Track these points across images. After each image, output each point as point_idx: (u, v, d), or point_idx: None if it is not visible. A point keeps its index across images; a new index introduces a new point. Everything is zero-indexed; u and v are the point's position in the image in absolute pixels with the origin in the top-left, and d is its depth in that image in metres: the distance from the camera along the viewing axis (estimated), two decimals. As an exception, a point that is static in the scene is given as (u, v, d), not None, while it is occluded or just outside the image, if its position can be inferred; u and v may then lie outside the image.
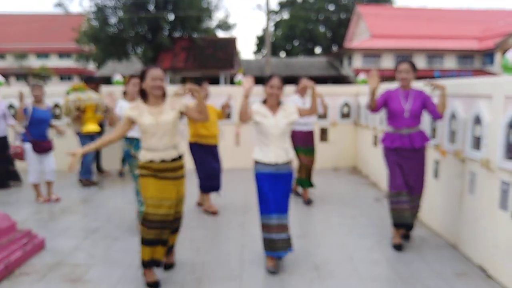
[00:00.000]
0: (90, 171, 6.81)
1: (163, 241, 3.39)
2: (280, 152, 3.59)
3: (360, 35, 33.41)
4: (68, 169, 3.10)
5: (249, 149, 7.32)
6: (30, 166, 5.69)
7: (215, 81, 22.98)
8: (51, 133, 5.92)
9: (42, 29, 41.33)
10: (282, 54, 44.75)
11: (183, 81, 25.60)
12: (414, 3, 74.39)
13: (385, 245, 4.31)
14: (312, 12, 40.81)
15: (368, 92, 4.07)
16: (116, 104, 4.46)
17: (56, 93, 7.78)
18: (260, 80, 5.83)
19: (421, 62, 29.77)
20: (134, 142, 4.50)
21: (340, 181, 7.28)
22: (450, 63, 30.41)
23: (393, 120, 4.12)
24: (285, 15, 44.84)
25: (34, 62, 39.68)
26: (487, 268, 3.65)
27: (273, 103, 3.65)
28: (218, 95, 7.04)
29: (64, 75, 41.19)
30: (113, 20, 24.41)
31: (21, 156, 5.69)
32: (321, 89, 7.07)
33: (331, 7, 41.62)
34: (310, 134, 5.73)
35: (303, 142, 5.68)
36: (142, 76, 3.27)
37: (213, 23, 27.68)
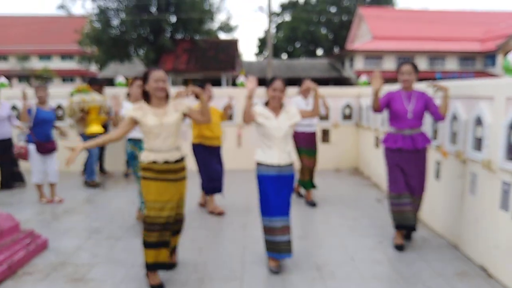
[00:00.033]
0: (94, 173, 6.84)
1: (165, 243, 3.40)
2: (282, 154, 3.61)
3: (361, 37, 33.44)
4: (66, 163, 3.10)
5: (250, 151, 7.34)
6: (33, 167, 5.73)
7: (217, 83, 23.00)
8: (54, 134, 5.95)
9: (44, 31, 41.46)
10: (284, 56, 44.81)
11: (185, 83, 25.65)
12: (415, 5, 74.48)
13: (387, 245, 4.32)
14: (314, 14, 40.87)
15: (372, 93, 4.08)
16: (120, 106, 4.50)
17: (59, 94, 7.82)
18: (262, 82, 5.86)
19: (422, 64, 29.76)
20: (139, 144, 4.53)
21: (342, 182, 7.30)
22: (451, 64, 30.40)
23: (396, 121, 4.13)
24: (287, 17, 44.94)
25: (36, 64, 39.78)
26: (488, 268, 3.67)
27: (276, 105, 3.66)
28: (219, 96, 7.07)
29: (66, 76, 41.31)
30: (115, 22, 24.52)
31: (25, 156, 5.72)
32: (323, 90, 7.10)
33: (333, 9, 41.69)
34: (313, 135, 5.76)
35: (306, 143, 5.70)
36: (144, 78, 3.28)
37: (215, 25, 27.74)
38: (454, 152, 4.27)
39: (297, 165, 5.81)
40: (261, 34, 58.34)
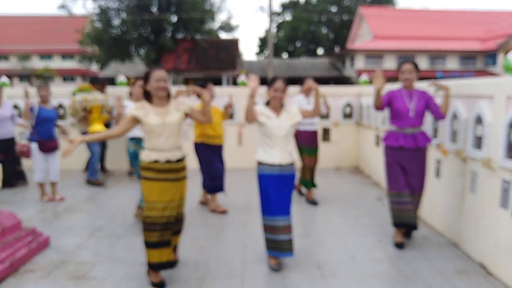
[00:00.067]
0: (97, 171, 6.87)
1: (166, 242, 3.41)
2: (284, 153, 3.62)
3: (362, 36, 33.45)
4: (63, 154, 3.09)
5: (251, 149, 7.35)
6: (35, 165, 5.75)
7: (217, 82, 23.02)
8: (56, 133, 5.98)
9: (45, 31, 41.52)
10: (285, 55, 44.82)
11: (186, 82, 25.68)
12: (416, 4, 74.41)
13: (387, 243, 4.33)
14: (315, 14, 40.88)
15: (374, 92, 4.07)
16: (123, 107, 4.52)
17: (60, 93, 7.84)
18: (262, 81, 5.89)
19: (423, 63, 29.77)
20: (141, 143, 4.55)
21: (342, 180, 7.31)
22: (452, 64, 30.40)
23: (397, 119, 4.13)
24: (288, 17, 44.95)
25: (37, 63, 39.85)
26: (487, 266, 3.68)
27: (277, 105, 3.67)
28: (220, 96, 7.08)
29: (67, 76, 41.38)
30: (116, 21, 24.56)
31: (27, 154, 5.75)
32: (324, 89, 7.11)
33: (334, 9, 41.70)
34: (314, 134, 5.77)
35: (307, 141, 5.72)
36: (146, 78, 3.29)
37: (215, 24, 27.80)
38: (454, 151, 4.28)
39: (298, 164, 5.85)
40: (262, 34, 58.34)
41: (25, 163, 6.81)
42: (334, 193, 6.41)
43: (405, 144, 4.05)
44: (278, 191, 3.62)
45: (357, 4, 37.52)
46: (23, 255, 3.78)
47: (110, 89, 7.58)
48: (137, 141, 4.64)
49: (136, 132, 4.55)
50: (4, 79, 8.21)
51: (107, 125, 6.96)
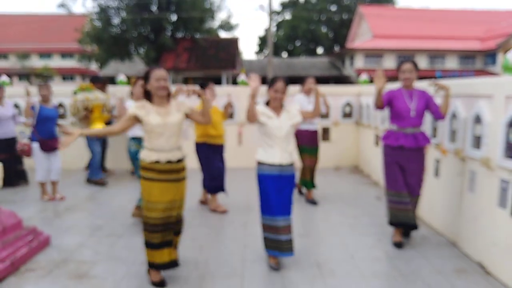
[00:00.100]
0: (99, 171, 6.88)
1: (168, 242, 3.42)
2: (284, 153, 3.62)
3: (362, 36, 33.44)
4: (60, 146, 3.07)
5: (251, 149, 7.36)
6: (37, 164, 5.77)
7: (217, 81, 23.03)
8: (57, 132, 5.99)
9: (45, 30, 41.50)
10: (284, 54, 44.80)
11: (186, 81, 25.69)
12: (416, 3, 74.41)
13: (386, 243, 4.35)
14: (314, 13, 40.86)
15: (375, 92, 4.06)
16: (125, 110, 4.53)
17: (60, 93, 7.84)
18: (262, 80, 5.90)
19: (423, 62, 29.78)
20: (142, 142, 4.56)
21: (342, 180, 7.33)
22: (452, 63, 30.42)
23: (398, 119, 4.12)
24: (287, 16, 44.90)
25: (36, 62, 39.82)
26: (486, 265, 3.70)
27: (277, 105, 3.68)
28: (219, 95, 7.07)
29: (67, 75, 41.34)
30: (116, 20, 24.55)
31: (28, 153, 5.78)
32: (323, 89, 7.12)
33: (333, 8, 41.67)
34: (315, 133, 5.78)
35: (308, 140, 5.73)
36: (146, 78, 3.28)
37: (215, 23, 27.79)
38: (453, 150, 4.30)
39: (298, 164, 5.86)
40: (262, 33, 58.34)
41: (27, 162, 6.82)
42: (333, 192, 6.42)
43: (405, 143, 4.05)
44: (278, 191, 3.63)
45: (357, 3, 37.50)
46: (24, 254, 3.80)
47: (111, 88, 7.60)
48: (139, 140, 4.66)
49: (137, 131, 4.56)
50: (4, 78, 8.22)
51: (108, 124, 6.97)
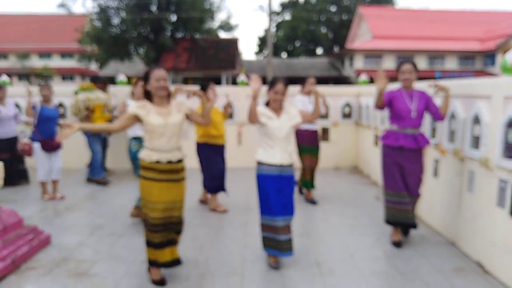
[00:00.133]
0: (101, 170, 6.88)
1: (170, 241, 3.44)
2: (284, 154, 3.64)
3: (361, 36, 33.48)
4: (57, 137, 3.05)
5: (251, 149, 7.38)
6: (39, 164, 5.79)
7: (217, 81, 23.04)
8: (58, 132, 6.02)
9: (45, 30, 41.50)
10: (284, 55, 44.84)
11: (185, 81, 25.71)
12: (415, 4, 74.47)
13: (385, 242, 4.37)
14: (314, 13, 40.91)
15: (376, 92, 4.05)
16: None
17: (61, 92, 7.85)
18: (262, 81, 5.91)
19: (422, 63, 29.82)
20: (143, 142, 4.57)
21: (342, 180, 7.35)
22: (451, 64, 30.46)
23: (399, 119, 4.12)
24: (287, 16, 44.96)
25: (36, 62, 39.81)
26: (484, 264, 3.72)
27: (277, 106, 3.69)
28: (218, 95, 7.09)
29: (66, 75, 41.34)
30: (115, 20, 24.57)
31: (28, 153, 5.80)
32: (323, 89, 7.14)
33: (333, 8, 41.72)
34: (315, 133, 5.79)
35: (308, 140, 5.74)
36: (145, 78, 3.28)
37: (215, 24, 27.80)
38: (452, 150, 4.32)
39: (297, 164, 5.87)
40: (261, 33, 58.37)
41: (28, 161, 6.84)
42: (333, 192, 6.44)
43: (405, 144, 4.05)
44: (277, 191, 3.63)
45: (357, 4, 37.55)
46: (25, 252, 3.81)
47: (111, 88, 7.61)
48: (140, 140, 4.67)
49: (139, 131, 4.57)
50: (5, 77, 8.23)
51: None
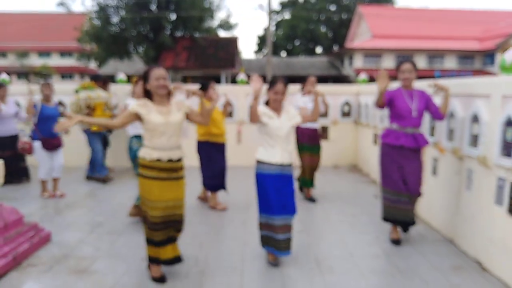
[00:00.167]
0: (104, 168, 6.89)
1: (172, 238, 3.47)
2: (284, 153, 3.65)
3: (361, 35, 33.50)
4: (56, 127, 3.05)
5: (250, 147, 7.38)
6: (40, 163, 5.81)
7: (216, 80, 23.00)
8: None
9: (44, 28, 41.44)
10: (283, 53, 44.83)
11: (185, 80, 25.70)
12: (415, 3, 74.46)
13: (384, 240, 4.39)
14: (314, 12, 40.90)
15: (377, 92, 4.04)
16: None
17: (60, 91, 7.85)
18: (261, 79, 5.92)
19: (421, 62, 29.85)
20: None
21: (341, 178, 7.37)
22: (450, 63, 30.49)
23: (399, 119, 4.11)
24: (287, 15, 44.94)
25: (35, 61, 39.78)
26: (482, 262, 3.75)
27: (277, 106, 3.70)
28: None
29: (66, 73, 41.31)
30: (115, 19, 24.57)
31: (29, 151, 5.82)
32: (322, 88, 7.16)
33: (333, 8, 41.72)
34: (315, 131, 5.79)
35: (308, 138, 5.75)
36: (145, 77, 3.28)
37: (214, 22, 27.81)
38: (451, 149, 4.34)
39: (296, 162, 5.89)
40: (261, 32, 58.32)
41: (29, 159, 6.86)
42: (332, 191, 6.47)
43: (405, 143, 4.06)
44: (277, 190, 3.63)
45: (356, 3, 37.55)
46: (26, 249, 3.83)
47: (114, 87, 7.64)
48: (141, 138, 4.67)
49: (140, 130, 4.58)
50: (4, 76, 8.24)
51: None
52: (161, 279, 3.45)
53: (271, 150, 3.63)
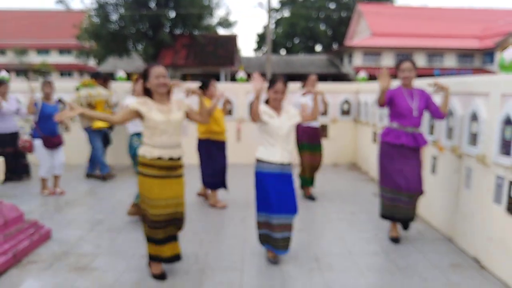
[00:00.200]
0: (105, 165, 6.90)
1: (173, 237, 3.48)
2: (284, 152, 3.66)
3: (360, 33, 33.48)
4: (57, 116, 3.03)
5: (250, 145, 7.42)
6: (41, 161, 5.82)
7: (215, 78, 23.03)
8: (60, 129, 6.04)
9: (43, 25, 41.33)
10: (283, 51, 44.81)
11: (184, 77, 25.69)
12: (414, 1, 74.34)
13: (383, 238, 4.41)
14: (313, 10, 40.86)
15: (379, 90, 4.02)
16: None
17: (60, 88, 7.85)
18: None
19: (421, 61, 29.86)
20: None
21: (340, 177, 7.39)
22: (450, 61, 30.50)
23: (400, 117, 4.11)
24: (286, 13, 44.90)
25: (34, 58, 39.67)
26: (481, 260, 3.77)
27: (277, 105, 3.71)
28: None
29: (65, 71, 41.22)
30: (114, 17, 24.54)
31: (29, 149, 5.84)
32: (322, 86, 7.17)
33: (332, 5, 41.69)
34: (316, 130, 5.78)
35: (308, 137, 5.74)
36: (145, 76, 3.28)
37: (214, 20, 27.79)
38: (450, 147, 4.36)
39: (296, 161, 5.90)
40: (260, 30, 58.29)
41: (30, 157, 6.87)
42: (331, 189, 6.48)
43: (405, 142, 4.06)
44: (278, 189, 3.63)
45: (356, 1, 37.52)
46: (26, 246, 3.84)
47: (114, 85, 7.64)
48: (141, 136, 4.67)
49: (140, 127, 4.58)
50: (4, 73, 8.24)
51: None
52: (161, 276, 3.47)
53: (271, 149, 3.64)
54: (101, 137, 6.91)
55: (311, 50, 43.87)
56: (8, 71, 33.12)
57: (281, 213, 3.65)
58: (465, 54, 30.39)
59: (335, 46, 39.99)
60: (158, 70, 3.24)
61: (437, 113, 4.11)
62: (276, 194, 3.62)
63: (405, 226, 4.42)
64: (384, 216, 4.29)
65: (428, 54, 30.33)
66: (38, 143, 5.74)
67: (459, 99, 4.24)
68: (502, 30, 28.21)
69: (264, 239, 3.81)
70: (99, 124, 6.43)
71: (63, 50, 41.34)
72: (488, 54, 29.51)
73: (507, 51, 3.57)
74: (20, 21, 41.21)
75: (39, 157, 5.81)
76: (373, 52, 30.20)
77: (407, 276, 3.57)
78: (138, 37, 24.77)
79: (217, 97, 5.00)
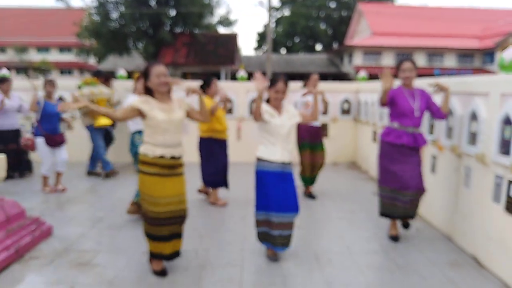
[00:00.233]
0: (107, 163, 6.91)
1: (178, 234, 3.49)
2: (284, 151, 3.68)
3: (361, 33, 33.48)
4: (60, 106, 3.06)
5: (250, 144, 7.43)
6: (43, 159, 5.85)
7: (216, 76, 23.06)
8: (62, 127, 6.07)
9: (43, 23, 41.30)
10: (283, 50, 44.80)
11: (184, 76, 25.70)
12: (415, 1, 74.32)
13: (382, 236, 4.44)
14: (313, 9, 40.84)
15: (381, 90, 4.03)
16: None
17: (60, 86, 7.86)
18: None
19: (421, 60, 29.85)
20: None
21: (340, 176, 7.41)
22: (450, 61, 30.50)
23: (401, 117, 4.11)
24: (286, 12, 44.88)
25: (34, 56, 39.64)
26: (479, 258, 3.79)
27: (278, 104, 3.73)
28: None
29: (65, 69, 41.22)
30: (114, 15, 24.53)
31: (31, 147, 5.87)
32: (322, 85, 7.19)
33: (332, 5, 41.67)
34: (317, 129, 5.80)
35: (309, 136, 5.76)
36: (145, 75, 3.29)
37: (214, 19, 27.79)
38: (449, 147, 4.38)
39: (296, 159, 5.92)
40: (261, 29, 58.28)
41: (32, 154, 6.89)
42: (331, 187, 6.51)
43: (406, 142, 4.07)
44: (278, 188, 3.65)
45: (356, 0, 37.50)
46: (28, 242, 3.87)
47: (116, 83, 7.66)
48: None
49: (141, 125, 4.59)
50: (4, 71, 8.24)
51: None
52: (162, 273, 3.49)
53: (272, 148, 3.66)
54: (102, 135, 6.93)
55: (311, 49, 43.87)
56: (8, 69, 33.02)
57: (282, 212, 3.66)
58: (465, 54, 30.39)
59: (335, 46, 39.99)
60: (159, 69, 3.24)
61: (439, 113, 4.12)
62: (276, 193, 3.64)
63: (406, 226, 4.45)
64: (383, 214, 4.32)
65: (428, 54, 30.33)
66: (40, 141, 5.76)
67: (459, 99, 4.26)
68: (502, 30, 28.21)
69: (263, 237, 3.83)
70: (101, 122, 6.45)
71: (63, 48, 41.32)
72: (488, 54, 29.52)
73: (507, 51, 3.60)
74: (20, 18, 41.19)
75: (41, 155, 5.83)
76: (373, 51, 30.20)
77: (406, 274, 3.60)
78: (139, 36, 24.77)
79: (222, 99, 5.00)
